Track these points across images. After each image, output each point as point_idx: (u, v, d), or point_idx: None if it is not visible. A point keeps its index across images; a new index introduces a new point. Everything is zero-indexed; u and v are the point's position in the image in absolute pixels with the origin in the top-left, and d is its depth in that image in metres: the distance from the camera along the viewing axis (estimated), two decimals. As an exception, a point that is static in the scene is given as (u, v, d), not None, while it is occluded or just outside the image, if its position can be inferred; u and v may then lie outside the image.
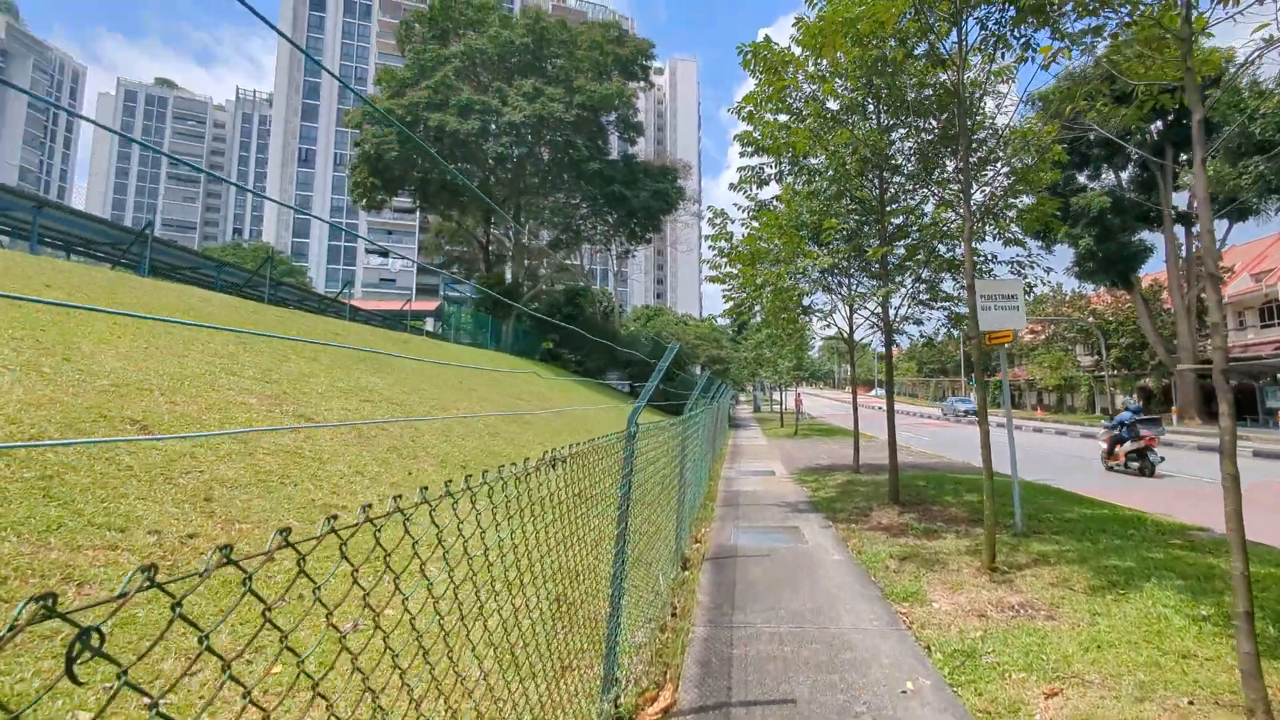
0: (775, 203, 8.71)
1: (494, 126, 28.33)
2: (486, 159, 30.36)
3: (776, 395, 50.06)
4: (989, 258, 8.44)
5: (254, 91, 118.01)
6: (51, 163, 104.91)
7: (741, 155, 8.38)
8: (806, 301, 9.90)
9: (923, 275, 9.52)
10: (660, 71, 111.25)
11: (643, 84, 33.53)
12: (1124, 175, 33.11)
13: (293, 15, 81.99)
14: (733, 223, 8.28)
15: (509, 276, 37.56)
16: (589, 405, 20.95)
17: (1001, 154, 6.97)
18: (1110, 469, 13.12)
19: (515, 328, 33.95)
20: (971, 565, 5.38)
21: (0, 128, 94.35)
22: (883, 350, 9.94)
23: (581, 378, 31.30)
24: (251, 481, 5.33)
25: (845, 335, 11.99)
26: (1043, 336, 51.73)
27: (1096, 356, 46.56)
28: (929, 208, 9.17)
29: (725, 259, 8.42)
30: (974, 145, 6.00)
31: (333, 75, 1.43)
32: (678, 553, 5.67)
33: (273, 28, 1.17)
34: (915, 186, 8.56)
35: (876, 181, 8.59)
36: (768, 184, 8.63)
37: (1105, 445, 13.36)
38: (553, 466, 1.77)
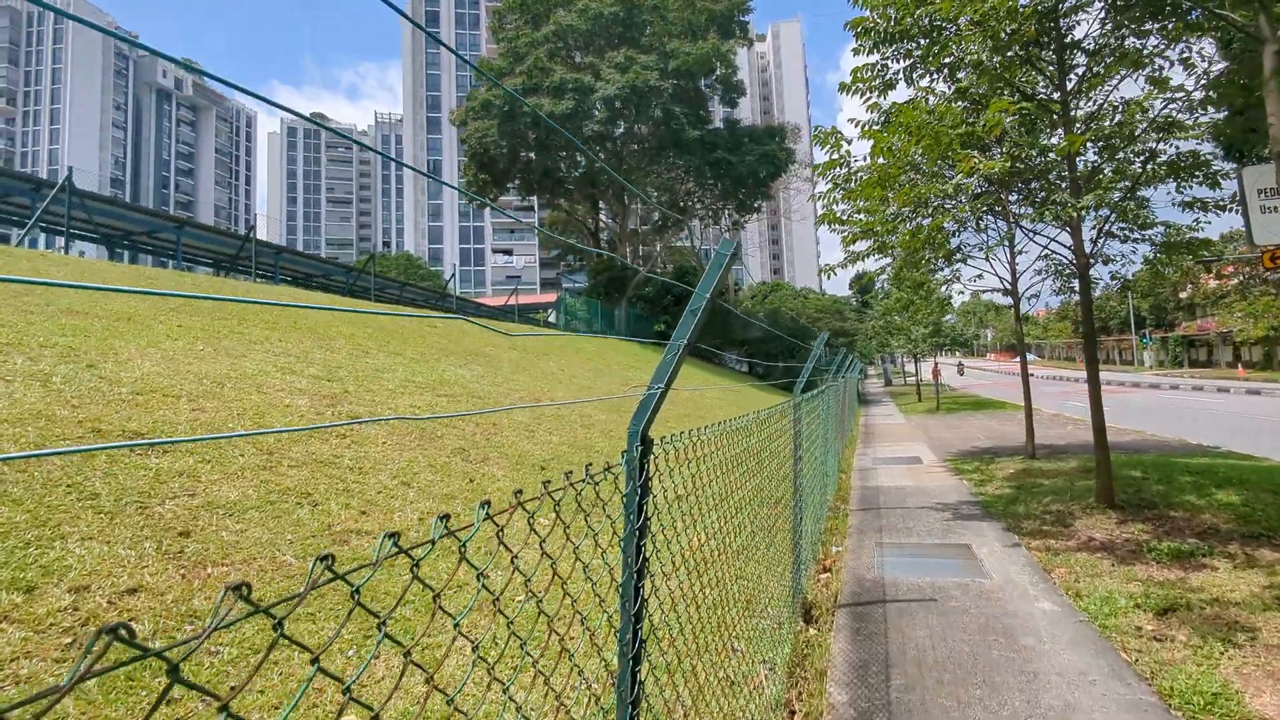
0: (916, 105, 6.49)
1: (595, 109, 27.31)
2: (587, 141, 29.56)
3: (909, 367, 45.33)
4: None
5: (389, 114, 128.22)
6: (236, 198, 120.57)
7: (856, 54, 6.34)
8: (954, 242, 7.61)
9: (1113, 199, 6.80)
10: (763, 38, 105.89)
11: (740, 40, 31.00)
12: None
13: (411, 38, 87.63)
14: (849, 142, 6.26)
15: (622, 260, 36.80)
16: (701, 386, 19.37)
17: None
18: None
19: (628, 311, 33.13)
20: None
21: (198, 173, 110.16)
22: (1033, 309, 7.34)
23: (699, 361, 29.77)
24: (258, 503, 4.38)
25: (1007, 284, 9.47)
26: (1234, 281, 42.46)
27: (1312, 298, 37.42)
28: (1124, 93, 6.53)
29: (842, 192, 6.43)
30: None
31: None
32: (796, 595, 3.99)
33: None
34: (1112, 62, 6.03)
35: (1054, 63, 6.18)
36: (893, 87, 6.49)
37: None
38: None
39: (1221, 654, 3.04)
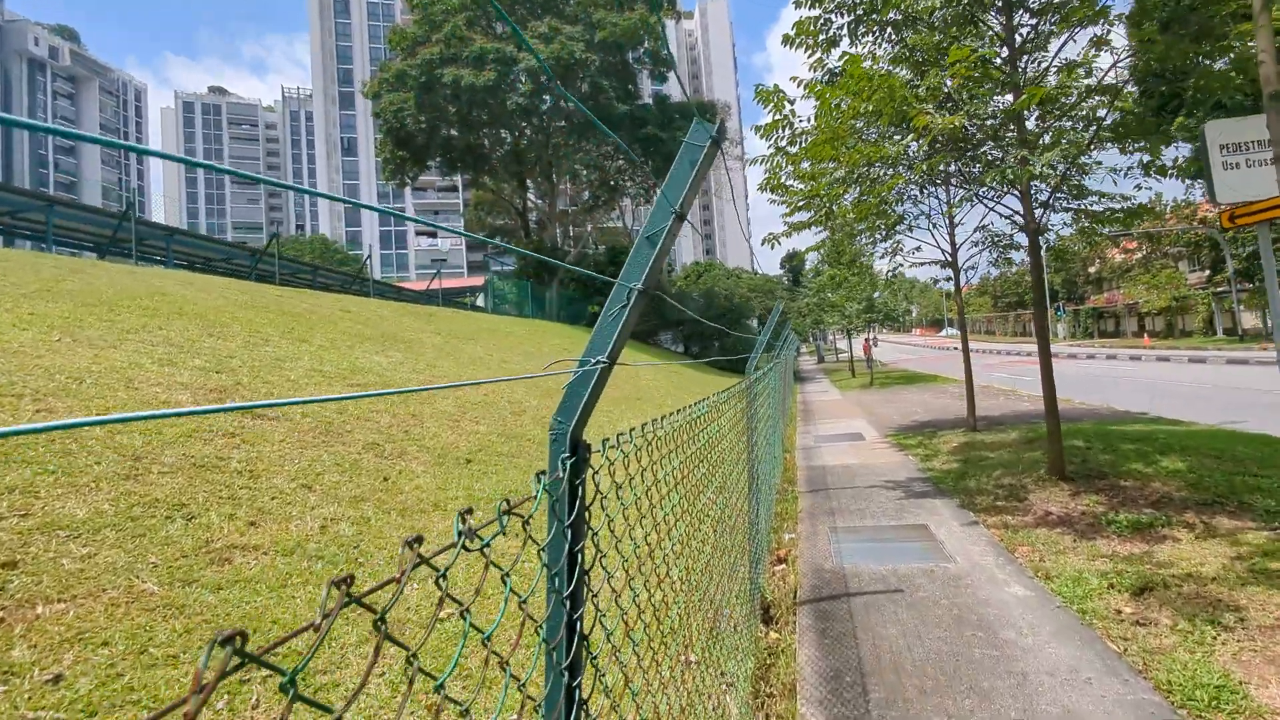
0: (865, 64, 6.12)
1: (519, 81, 26.04)
2: (512, 116, 28.27)
3: (841, 344, 46.69)
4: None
5: (298, 89, 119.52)
6: (127, 179, 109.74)
7: (797, 6, 5.91)
8: (899, 209, 7.38)
9: (1061, 169, 6.71)
10: (690, 15, 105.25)
11: (668, 12, 30.45)
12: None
13: (319, 6, 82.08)
14: (792, 102, 5.85)
15: (551, 242, 35.75)
16: (638, 364, 18.94)
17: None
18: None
19: (560, 294, 32.27)
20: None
21: (81, 150, 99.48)
22: (970, 282, 7.23)
23: (634, 341, 29.35)
24: (115, 520, 3.58)
25: (948, 255, 9.42)
26: (1139, 255, 46.05)
27: (1206, 272, 40.93)
28: (1069, 51, 6.42)
29: (785, 157, 6.03)
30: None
31: None
32: (754, 594, 3.58)
33: None
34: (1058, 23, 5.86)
35: (1001, 23, 5.96)
36: (837, 44, 6.12)
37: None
38: None
39: (1214, 639, 2.84)
